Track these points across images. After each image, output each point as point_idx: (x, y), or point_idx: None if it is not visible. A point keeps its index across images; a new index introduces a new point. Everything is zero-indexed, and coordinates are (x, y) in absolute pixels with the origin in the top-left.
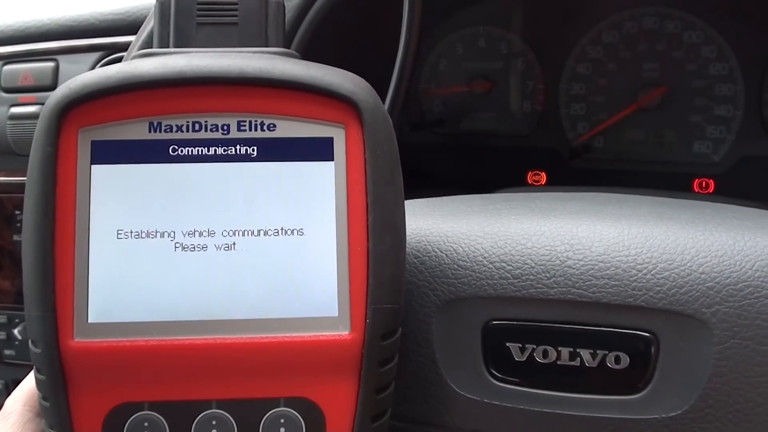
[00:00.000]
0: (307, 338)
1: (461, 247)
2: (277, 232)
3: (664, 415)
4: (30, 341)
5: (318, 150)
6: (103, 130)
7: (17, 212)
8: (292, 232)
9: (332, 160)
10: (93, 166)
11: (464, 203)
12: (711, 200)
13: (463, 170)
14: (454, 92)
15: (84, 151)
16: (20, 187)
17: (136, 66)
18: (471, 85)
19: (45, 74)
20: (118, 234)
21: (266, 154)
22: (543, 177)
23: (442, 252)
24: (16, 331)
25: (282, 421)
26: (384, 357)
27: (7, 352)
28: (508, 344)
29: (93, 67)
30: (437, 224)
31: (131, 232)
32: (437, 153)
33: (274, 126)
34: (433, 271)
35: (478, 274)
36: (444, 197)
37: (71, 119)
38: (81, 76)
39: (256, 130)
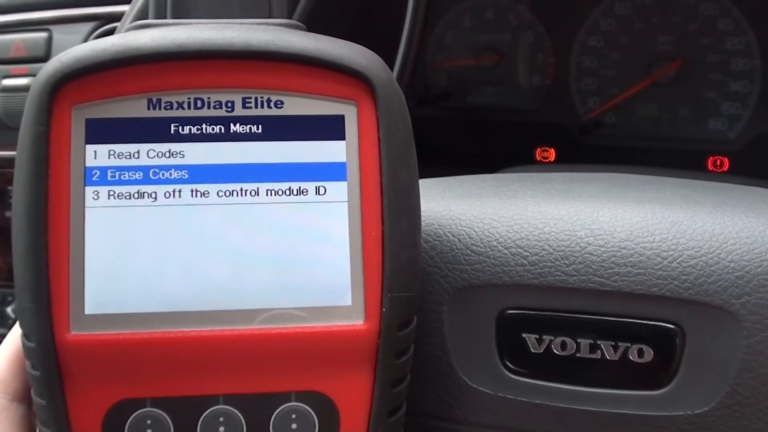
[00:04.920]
0: (319, 329)
1: (474, 232)
2: (287, 215)
3: (689, 412)
4: (22, 335)
5: (328, 128)
6: (98, 107)
7: (9, 187)
8: (302, 215)
9: (343, 139)
10: (88, 146)
11: (477, 184)
12: (726, 179)
13: (470, 146)
14: (460, 65)
15: (78, 130)
16: (13, 162)
17: (132, 38)
18: (478, 58)
19: (38, 45)
20: (116, 219)
21: (273, 133)
22: (552, 153)
23: (454, 236)
24: (9, 310)
25: (293, 416)
26: (400, 348)
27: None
28: (523, 335)
29: (88, 38)
30: (449, 206)
31: (131, 216)
32: (443, 128)
33: (282, 103)
34: (445, 256)
35: (492, 260)
36: (455, 177)
37: (64, 95)
38: (73, 49)
39: (262, 107)
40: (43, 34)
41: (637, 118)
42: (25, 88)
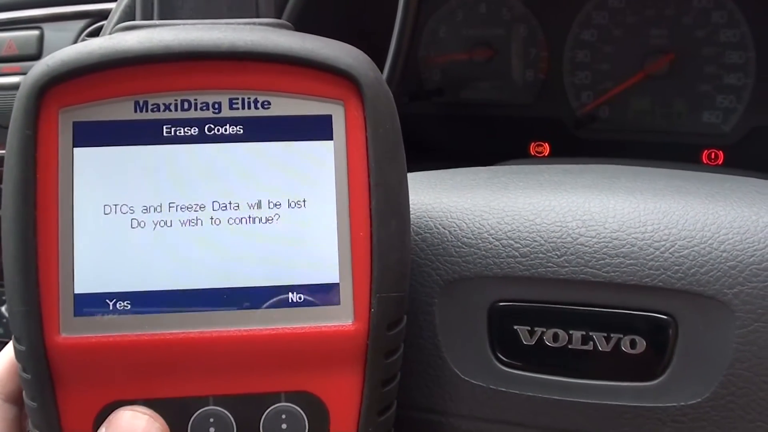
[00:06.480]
0: (309, 329)
1: (465, 224)
2: (275, 218)
3: (682, 403)
4: (13, 338)
5: (316, 128)
6: (85, 110)
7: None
8: (290, 217)
9: (331, 139)
10: (75, 150)
11: (468, 176)
12: (721, 172)
13: (463, 141)
14: (454, 60)
15: (65, 134)
16: (2, 163)
17: (119, 40)
18: (471, 53)
19: (29, 43)
20: (103, 223)
21: (260, 134)
22: (546, 148)
23: (445, 228)
24: (3, 309)
25: (283, 416)
26: (390, 348)
27: None
28: (515, 327)
29: (79, 35)
30: (440, 199)
31: (118, 220)
32: (436, 124)
33: (269, 103)
34: (436, 249)
35: (483, 252)
36: (446, 170)
37: (50, 99)
38: (59, 52)
39: (249, 108)
40: (35, 32)
41: (631, 111)
42: (16, 87)
